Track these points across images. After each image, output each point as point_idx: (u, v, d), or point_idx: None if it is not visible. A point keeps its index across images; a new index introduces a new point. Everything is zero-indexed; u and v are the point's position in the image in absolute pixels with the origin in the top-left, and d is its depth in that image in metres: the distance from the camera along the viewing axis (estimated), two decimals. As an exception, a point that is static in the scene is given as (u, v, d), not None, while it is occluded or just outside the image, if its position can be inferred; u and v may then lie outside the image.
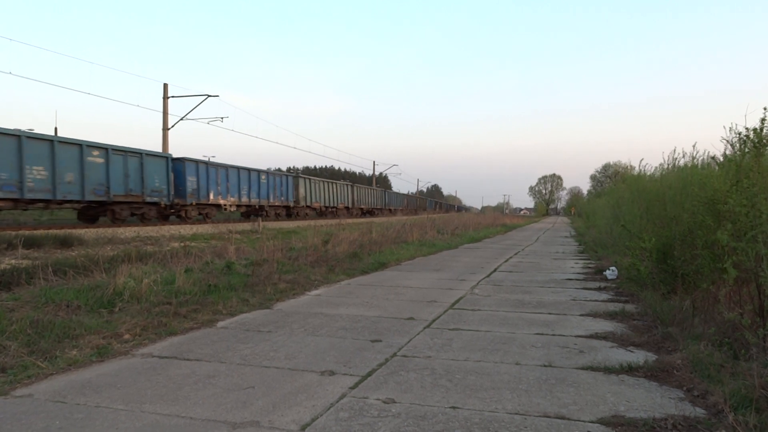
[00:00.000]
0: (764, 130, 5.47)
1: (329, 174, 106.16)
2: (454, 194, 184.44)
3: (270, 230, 24.12)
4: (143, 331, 5.59)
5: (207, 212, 28.36)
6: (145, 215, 24.01)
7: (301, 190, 38.93)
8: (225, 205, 29.62)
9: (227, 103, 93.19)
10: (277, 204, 35.41)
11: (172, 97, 32.04)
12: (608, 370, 4.43)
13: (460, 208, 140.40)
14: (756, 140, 5.52)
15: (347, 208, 47.95)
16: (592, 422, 3.36)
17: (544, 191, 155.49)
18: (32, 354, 4.60)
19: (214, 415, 3.45)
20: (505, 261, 14.29)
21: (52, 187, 18.54)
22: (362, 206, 52.12)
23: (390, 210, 63.70)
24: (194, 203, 26.82)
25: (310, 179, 41.32)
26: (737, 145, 5.95)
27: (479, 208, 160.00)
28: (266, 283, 8.49)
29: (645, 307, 6.94)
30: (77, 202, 20.32)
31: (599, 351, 5.07)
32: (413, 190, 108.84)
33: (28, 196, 17.72)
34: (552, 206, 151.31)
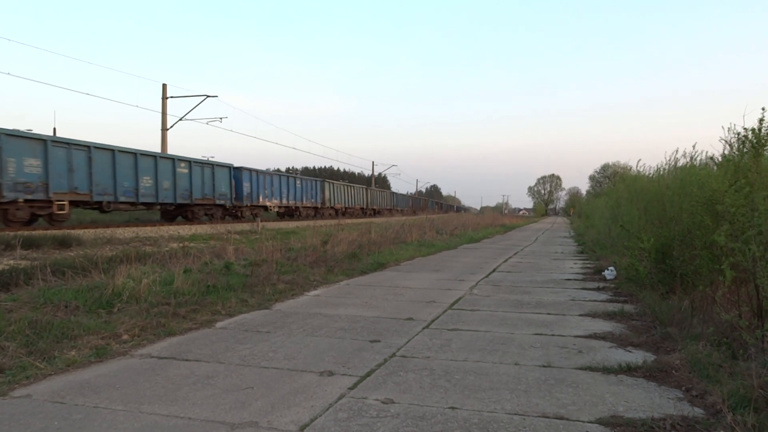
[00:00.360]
0: (762, 131, 5.48)
1: (328, 174, 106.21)
2: (453, 194, 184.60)
3: (269, 230, 24.10)
4: (142, 332, 5.59)
5: (256, 212, 32.80)
6: (213, 215, 28.35)
7: (327, 193, 43.93)
8: (270, 206, 34.48)
9: (226, 104, 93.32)
10: (308, 205, 40.32)
11: (171, 97, 32.06)
12: (607, 371, 4.44)
13: (459, 209, 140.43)
14: (754, 140, 5.53)
15: (362, 208, 53.37)
16: (590, 422, 3.36)
17: (543, 191, 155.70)
18: (30, 354, 4.60)
19: (212, 415, 3.45)
20: (504, 261, 14.30)
21: (155, 192, 23.63)
22: (374, 207, 57.14)
23: (389, 210, 64.62)
24: (248, 205, 31.63)
25: (333, 183, 47.08)
26: (736, 145, 5.96)
27: (478, 208, 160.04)
28: (265, 283, 8.49)
29: (644, 308, 6.95)
30: (171, 204, 25.37)
31: (598, 351, 5.08)
32: (412, 190, 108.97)
33: (141, 200, 22.84)
34: (551, 207, 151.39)
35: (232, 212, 30.57)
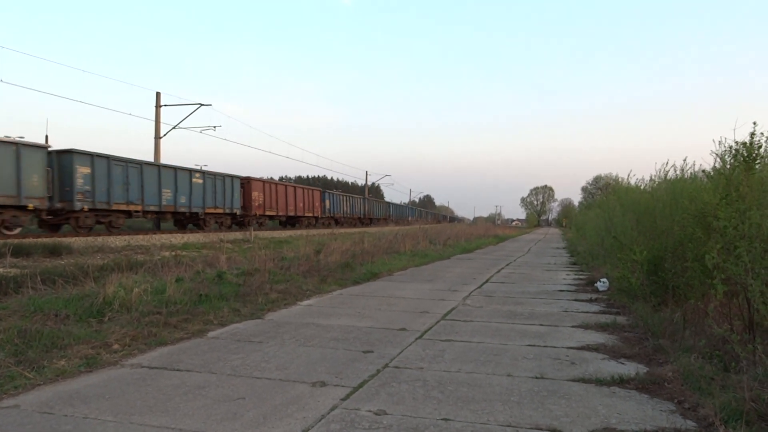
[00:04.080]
0: (754, 144, 5.54)
1: (322, 183, 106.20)
2: (446, 205, 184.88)
3: (262, 239, 24.02)
4: (133, 341, 5.54)
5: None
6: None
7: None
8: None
9: (220, 112, 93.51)
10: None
11: (165, 105, 32.02)
12: (600, 382, 4.44)
13: (453, 219, 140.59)
14: (746, 154, 5.59)
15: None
16: (583, 435, 3.35)
17: (535, 202, 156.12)
18: (19, 364, 4.54)
19: (203, 426, 3.41)
20: (497, 272, 14.31)
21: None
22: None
23: (384, 219, 65.08)
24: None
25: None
26: (727, 158, 6.02)
27: (471, 218, 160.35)
28: (258, 293, 8.45)
29: (636, 319, 6.97)
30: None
31: (591, 363, 5.08)
32: (405, 200, 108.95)
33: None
34: (543, 217, 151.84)
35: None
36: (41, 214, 19.96)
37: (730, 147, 5.86)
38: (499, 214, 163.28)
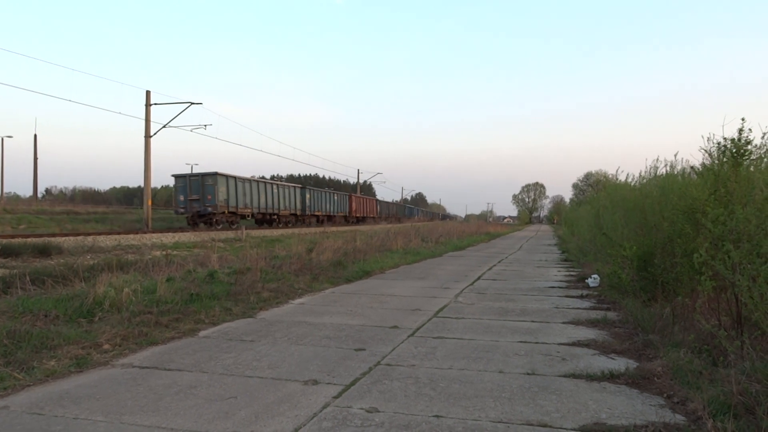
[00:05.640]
0: (742, 141, 5.59)
1: (314, 182, 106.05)
2: (438, 202, 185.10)
3: (254, 238, 23.95)
4: (123, 341, 5.51)
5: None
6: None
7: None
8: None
9: (211, 111, 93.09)
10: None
11: (155, 104, 31.80)
12: (590, 378, 4.47)
13: (445, 216, 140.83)
14: (734, 150, 5.64)
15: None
16: (574, 429, 3.38)
17: (527, 199, 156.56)
18: (8, 365, 4.51)
19: (195, 426, 3.41)
20: (489, 269, 14.36)
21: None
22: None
23: (374, 218, 64.89)
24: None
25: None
26: (716, 155, 6.07)
27: (463, 216, 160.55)
28: (249, 291, 8.43)
29: (626, 315, 7.02)
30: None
31: (581, 358, 5.12)
32: (397, 197, 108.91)
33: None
34: (535, 214, 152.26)
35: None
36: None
37: (719, 143, 5.91)
38: (491, 212, 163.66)
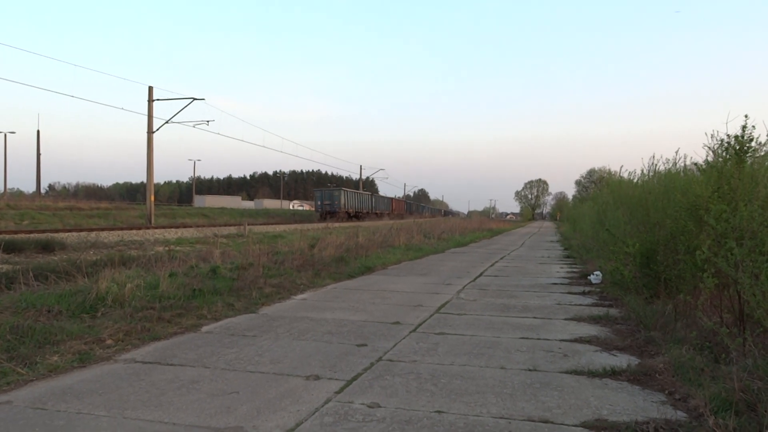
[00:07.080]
0: (746, 137, 5.56)
1: (317, 178, 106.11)
2: (440, 198, 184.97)
3: (256, 234, 23.98)
4: (126, 336, 5.53)
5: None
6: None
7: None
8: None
9: (213, 106, 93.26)
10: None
11: (157, 100, 31.86)
12: (592, 374, 4.47)
13: (447, 213, 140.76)
14: (738, 147, 5.62)
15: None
16: (575, 426, 3.38)
17: (530, 196, 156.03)
18: (11, 360, 4.53)
19: (197, 420, 3.42)
20: (491, 265, 14.36)
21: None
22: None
23: (377, 214, 66.46)
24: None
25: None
26: (719, 151, 6.04)
27: (466, 212, 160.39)
28: (252, 287, 8.45)
29: (628, 312, 7.02)
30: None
31: (583, 355, 5.12)
32: (400, 194, 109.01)
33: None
34: (538, 211, 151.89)
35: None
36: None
37: (722, 140, 5.88)
38: (494, 208, 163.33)
